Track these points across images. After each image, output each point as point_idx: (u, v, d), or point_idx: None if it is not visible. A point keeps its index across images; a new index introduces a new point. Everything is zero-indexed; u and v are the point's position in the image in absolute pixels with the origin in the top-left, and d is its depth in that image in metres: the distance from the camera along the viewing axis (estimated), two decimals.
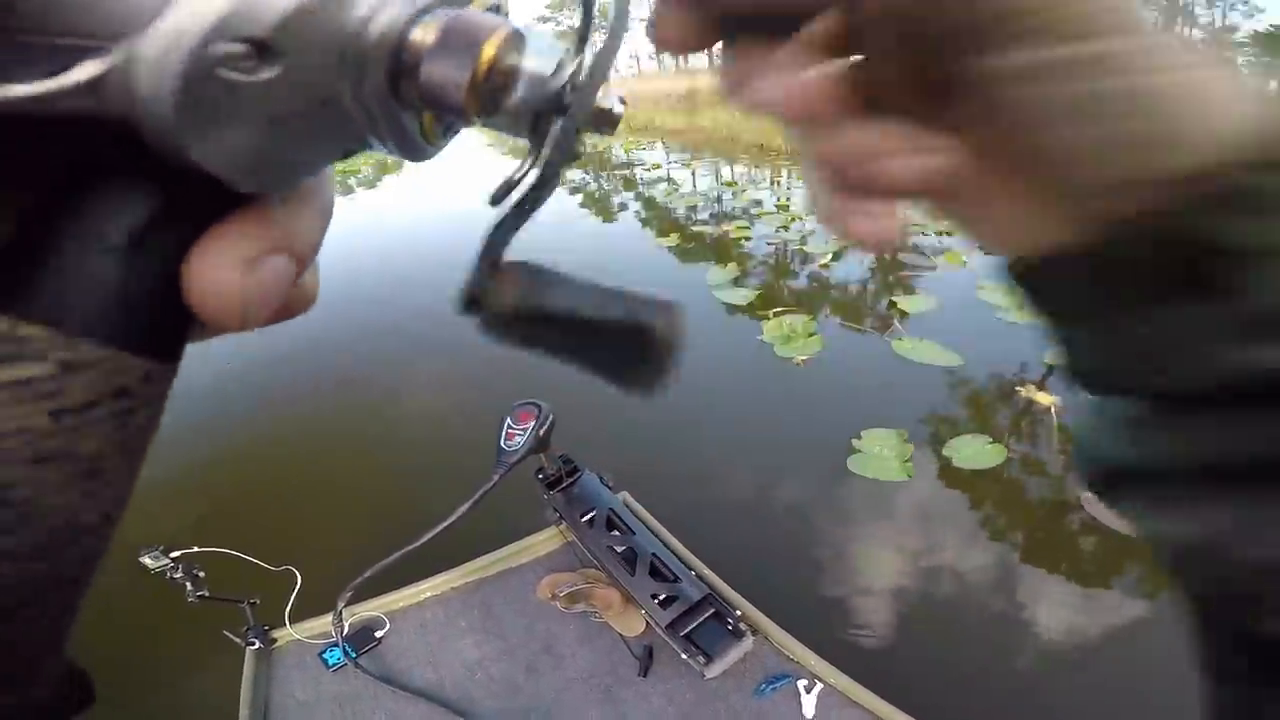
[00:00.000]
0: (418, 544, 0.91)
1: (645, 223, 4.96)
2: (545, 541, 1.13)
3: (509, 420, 0.98)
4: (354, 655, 1.00)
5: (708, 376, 2.19)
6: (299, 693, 0.98)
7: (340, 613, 0.94)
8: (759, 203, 5.14)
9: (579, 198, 6.04)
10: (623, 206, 5.67)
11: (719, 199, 5.42)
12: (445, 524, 0.90)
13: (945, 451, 1.88)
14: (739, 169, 7.14)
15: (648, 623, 0.96)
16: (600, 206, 5.78)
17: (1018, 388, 2.19)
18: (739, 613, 0.96)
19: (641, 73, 31.40)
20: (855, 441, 1.85)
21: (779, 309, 2.76)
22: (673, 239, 4.11)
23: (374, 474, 2.04)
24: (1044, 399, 2.09)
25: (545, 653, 0.96)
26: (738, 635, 0.92)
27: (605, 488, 1.12)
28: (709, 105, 12.03)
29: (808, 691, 0.84)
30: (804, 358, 2.39)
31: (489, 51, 0.11)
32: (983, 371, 2.34)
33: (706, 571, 1.02)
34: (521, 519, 1.16)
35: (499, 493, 0.93)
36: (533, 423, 0.98)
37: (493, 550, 1.10)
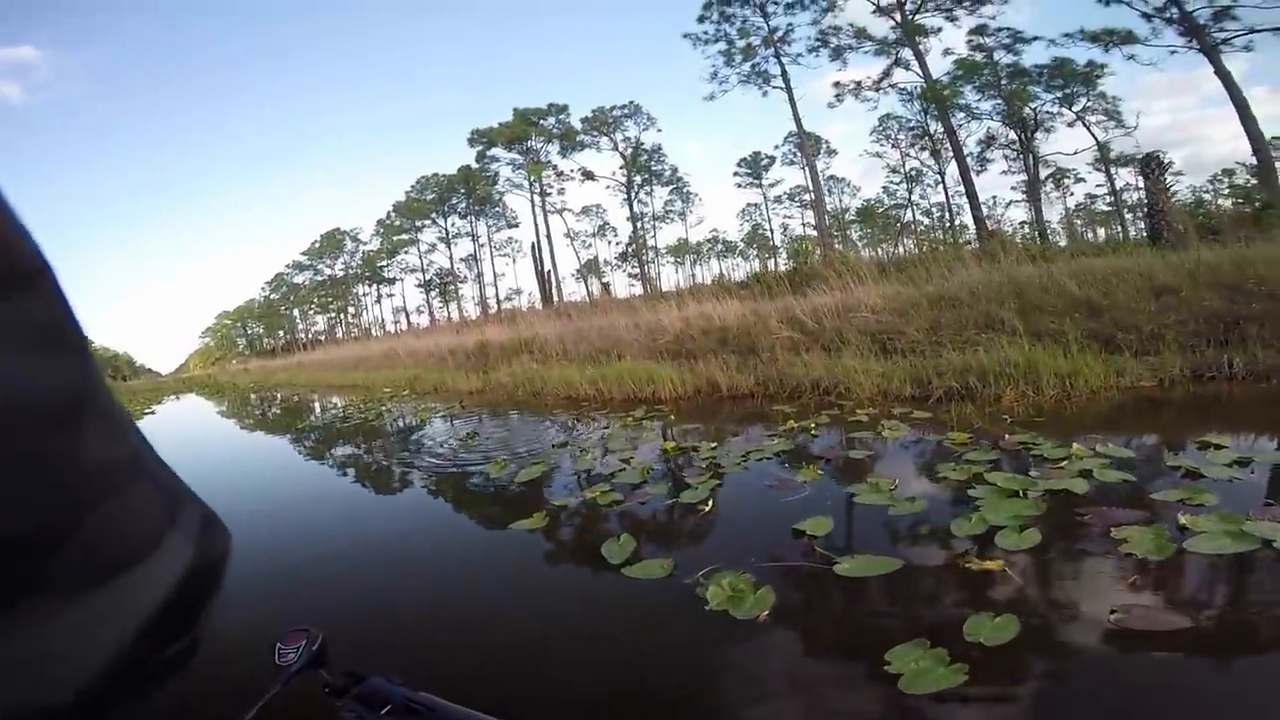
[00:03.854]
0: None
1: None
2: None
3: (279, 645, 1.06)
4: None
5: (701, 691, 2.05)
6: None
7: None
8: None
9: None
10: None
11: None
12: None
13: (970, 638, 1.95)
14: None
15: None
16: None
17: (965, 564, 2.47)
18: None
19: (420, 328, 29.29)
20: (887, 668, 1.86)
21: (707, 569, 2.65)
22: (537, 519, 3.75)
23: None
24: (992, 565, 2.43)
25: None
26: None
27: (397, 685, 1.16)
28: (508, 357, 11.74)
29: None
30: (764, 613, 2.30)
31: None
32: (924, 560, 2.65)
33: None
34: None
35: None
36: (304, 642, 1.06)
37: None
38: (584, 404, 8.39)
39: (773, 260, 25.11)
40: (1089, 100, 18.71)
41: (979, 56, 18.98)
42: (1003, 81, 19.07)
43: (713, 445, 4.96)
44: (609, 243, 31.49)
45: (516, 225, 31.87)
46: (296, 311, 45.36)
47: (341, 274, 39.96)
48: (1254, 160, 15.27)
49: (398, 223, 34.51)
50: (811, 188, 23.67)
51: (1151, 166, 10.60)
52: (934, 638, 1.96)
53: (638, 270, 28.75)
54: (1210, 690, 1.77)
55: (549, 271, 27.20)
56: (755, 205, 29.46)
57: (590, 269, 29.59)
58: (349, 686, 1.12)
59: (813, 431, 5.12)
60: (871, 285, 8.32)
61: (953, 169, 21.65)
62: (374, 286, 38.49)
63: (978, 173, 20.26)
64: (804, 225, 26.79)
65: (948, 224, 22.68)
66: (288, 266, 44.20)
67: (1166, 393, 5.02)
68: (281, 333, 47.17)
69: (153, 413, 18.55)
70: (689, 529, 3.39)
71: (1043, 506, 2.94)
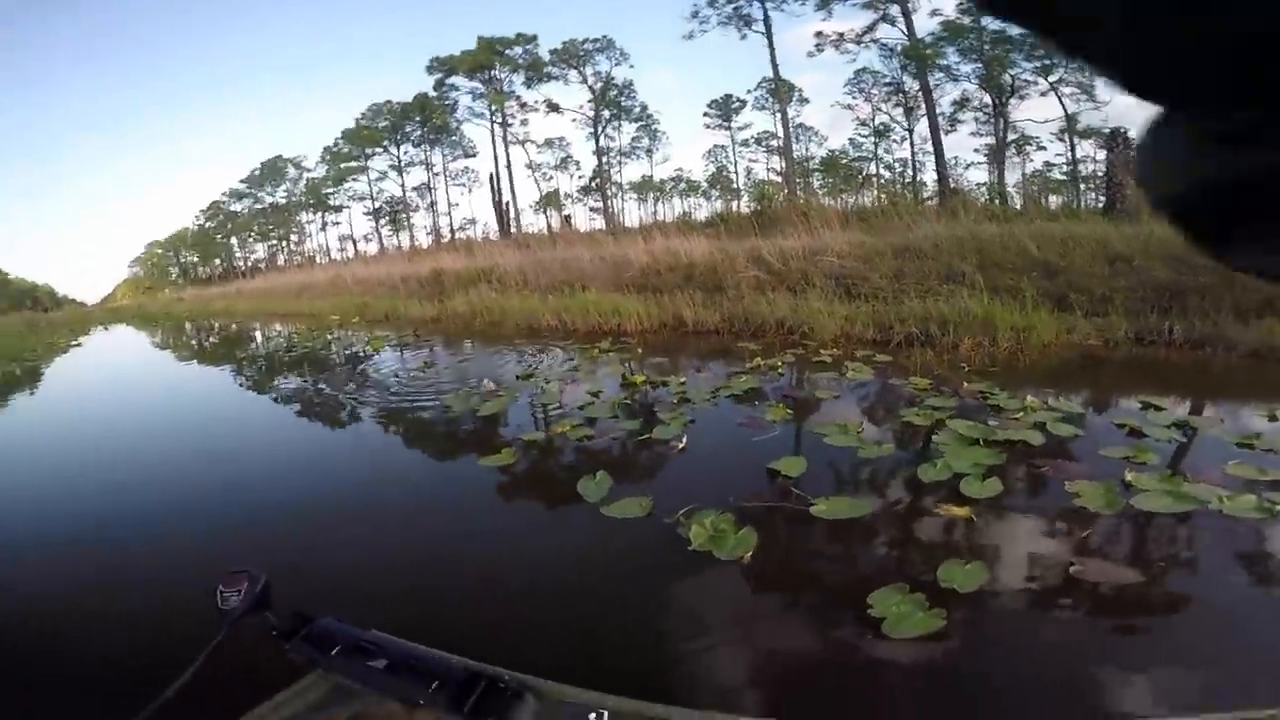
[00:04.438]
0: (155, 706, 0.91)
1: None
2: (306, 689, 1.12)
3: (220, 587, 1.05)
4: None
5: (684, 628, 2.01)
6: None
7: None
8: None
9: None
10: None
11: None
12: (180, 681, 0.93)
13: (945, 584, 2.05)
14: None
15: None
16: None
17: (934, 509, 2.60)
18: (508, 677, 1.04)
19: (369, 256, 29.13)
20: (870, 612, 1.92)
21: (687, 508, 2.65)
22: (505, 455, 3.63)
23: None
24: (960, 512, 2.53)
25: None
26: (519, 697, 1.02)
27: (347, 625, 1.16)
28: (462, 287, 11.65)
29: None
30: (748, 554, 2.34)
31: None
32: (895, 504, 2.76)
33: (466, 659, 1.08)
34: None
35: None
36: (245, 583, 1.05)
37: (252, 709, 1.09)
38: (546, 335, 8.23)
39: (736, 202, 24.85)
40: (1065, 72, 18.78)
41: (967, 20, 18.70)
42: (986, 46, 18.89)
43: (682, 381, 4.95)
44: (571, 176, 30.27)
45: (474, 155, 30.11)
46: (234, 239, 42.58)
47: (284, 201, 37.45)
48: None
49: (346, 150, 32.20)
50: (781, 134, 23.33)
51: (1116, 140, 10.86)
52: (912, 582, 2.03)
53: (600, 205, 27.93)
54: (1154, 638, 1.90)
55: (507, 203, 26.18)
56: (722, 147, 28.70)
57: (550, 201, 28.53)
58: (298, 628, 1.12)
59: (779, 370, 5.17)
60: (839, 231, 8.31)
61: (921, 126, 21.70)
62: (319, 214, 36.25)
63: (947, 132, 20.40)
64: (768, 170, 26.49)
65: (910, 179, 22.87)
66: (224, 195, 41.32)
67: (1110, 352, 5.28)
68: (218, 261, 44.33)
69: (79, 345, 17.33)
70: (664, 466, 3.38)
71: (1002, 456, 3.06)
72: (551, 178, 29.54)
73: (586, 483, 3.06)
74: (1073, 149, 20.68)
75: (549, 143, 28.68)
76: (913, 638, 1.81)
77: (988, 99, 20.33)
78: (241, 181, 38.82)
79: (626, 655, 1.92)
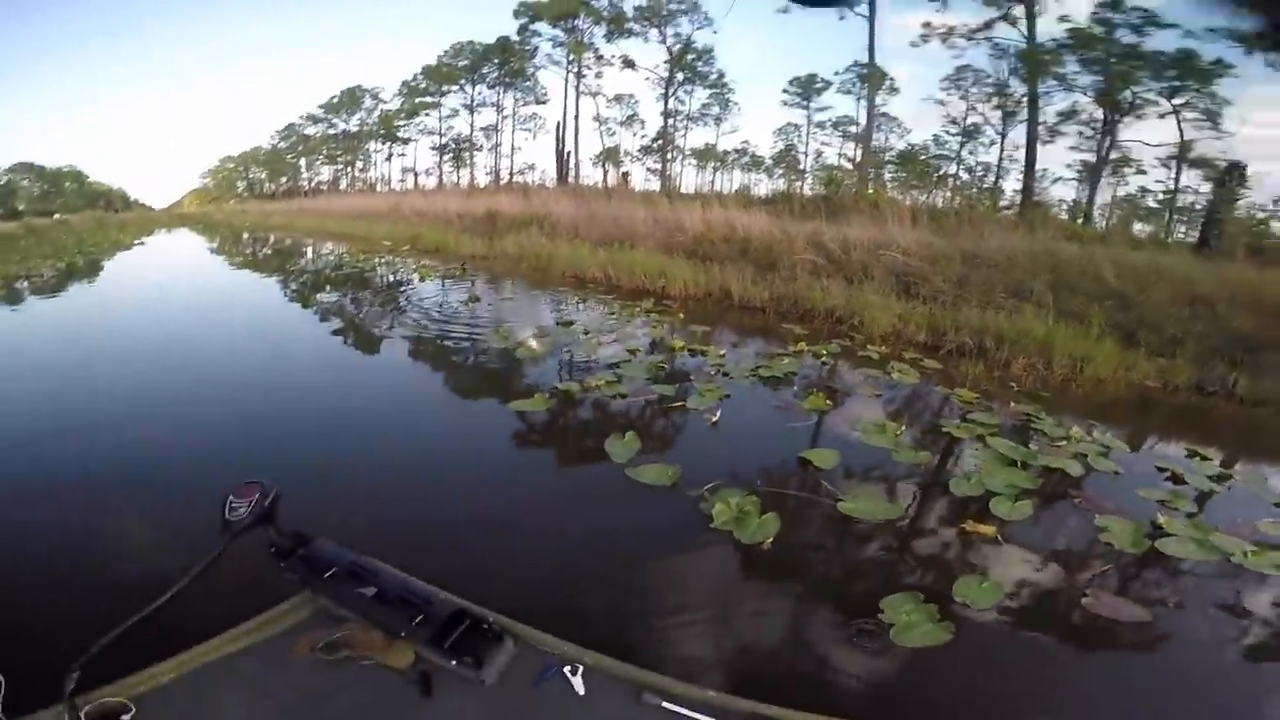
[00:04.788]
0: (150, 610, 0.92)
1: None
2: (294, 609, 1.14)
3: (231, 498, 1.06)
4: None
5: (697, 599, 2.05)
6: None
7: (73, 703, 0.88)
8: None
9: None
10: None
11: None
12: (177, 587, 0.94)
13: (958, 599, 2.04)
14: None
15: (415, 653, 1.04)
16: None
17: (960, 524, 2.57)
18: (492, 619, 1.08)
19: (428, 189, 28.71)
20: (880, 616, 1.93)
21: (713, 484, 2.65)
22: (538, 401, 3.73)
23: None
24: (985, 530, 2.53)
25: (322, 702, 0.99)
26: (499, 639, 1.05)
27: (343, 549, 1.18)
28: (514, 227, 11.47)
29: (574, 674, 1.03)
30: (769, 540, 2.33)
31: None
32: (922, 512, 2.74)
33: (454, 597, 1.12)
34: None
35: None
36: (256, 495, 1.06)
37: (240, 624, 1.10)
38: (590, 285, 8.30)
39: (800, 183, 24.26)
40: (1194, 97, 17.42)
41: (1099, 30, 17.45)
42: (1113, 60, 17.63)
43: (721, 353, 4.95)
44: (635, 134, 29.99)
45: (545, 102, 30.16)
46: (303, 161, 44.32)
47: (356, 129, 38.67)
48: None
49: (423, 85, 32.78)
50: (864, 122, 22.54)
51: (1231, 174, 10.21)
52: (926, 592, 2.04)
53: (659, 167, 27.66)
54: (1147, 674, 1.93)
55: (569, 152, 26.22)
56: (796, 126, 27.76)
57: (611, 156, 28.45)
58: (295, 548, 1.15)
59: (823, 358, 5.12)
60: (908, 228, 8.08)
61: (1015, 133, 20.56)
62: (386, 144, 37.16)
63: (1045, 143, 19.23)
64: (840, 155, 25.55)
65: (991, 185, 21.81)
66: (301, 118, 42.84)
67: (1168, 396, 5.06)
68: (284, 179, 46.02)
69: (142, 244, 18.47)
70: (695, 437, 3.42)
71: (1038, 481, 3.02)
72: (615, 133, 29.34)
73: (615, 441, 3.12)
74: (1177, 177, 19.42)
75: (618, 98, 28.49)
76: (917, 647, 1.83)
77: (1098, 113, 19.13)
78: (320, 106, 40.40)
79: (626, 615, 1.96)
